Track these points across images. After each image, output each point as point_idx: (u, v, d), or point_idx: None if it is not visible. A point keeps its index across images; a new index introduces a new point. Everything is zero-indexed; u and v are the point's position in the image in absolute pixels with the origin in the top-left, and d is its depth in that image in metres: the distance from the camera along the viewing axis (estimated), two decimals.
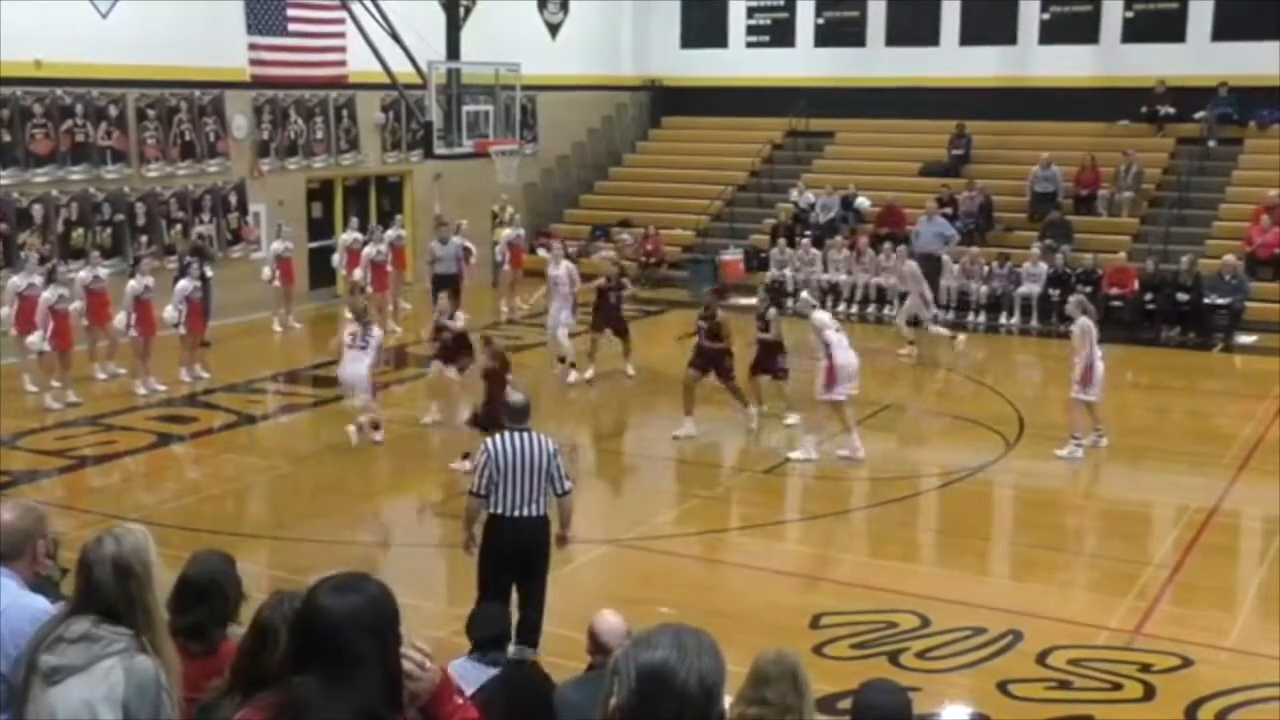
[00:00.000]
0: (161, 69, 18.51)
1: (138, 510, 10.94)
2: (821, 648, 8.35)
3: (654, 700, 2.52)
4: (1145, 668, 8.21)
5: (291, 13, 20.02)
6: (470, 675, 5.62)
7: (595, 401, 15.79)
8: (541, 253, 21.37)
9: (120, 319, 15.28)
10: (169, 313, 15.53)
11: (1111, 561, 10.39)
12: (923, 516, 11.80)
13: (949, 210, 21.83)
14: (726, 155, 26.18)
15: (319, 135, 21.44)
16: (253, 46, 19.71)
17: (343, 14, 18.84)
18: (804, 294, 15.58)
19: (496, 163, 18.43)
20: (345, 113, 21.80)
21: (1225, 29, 22.93)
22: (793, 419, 13.91)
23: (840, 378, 12.68)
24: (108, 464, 13.03)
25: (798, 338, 14.48)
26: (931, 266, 20.09)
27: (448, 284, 18.42)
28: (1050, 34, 24.66)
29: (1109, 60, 24.05)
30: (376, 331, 13.36)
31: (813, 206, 23.57)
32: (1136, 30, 23.96)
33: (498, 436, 7.86)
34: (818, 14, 26.70)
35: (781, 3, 27.05)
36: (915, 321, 18.10)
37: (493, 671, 5.82)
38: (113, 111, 18.32)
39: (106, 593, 3.48)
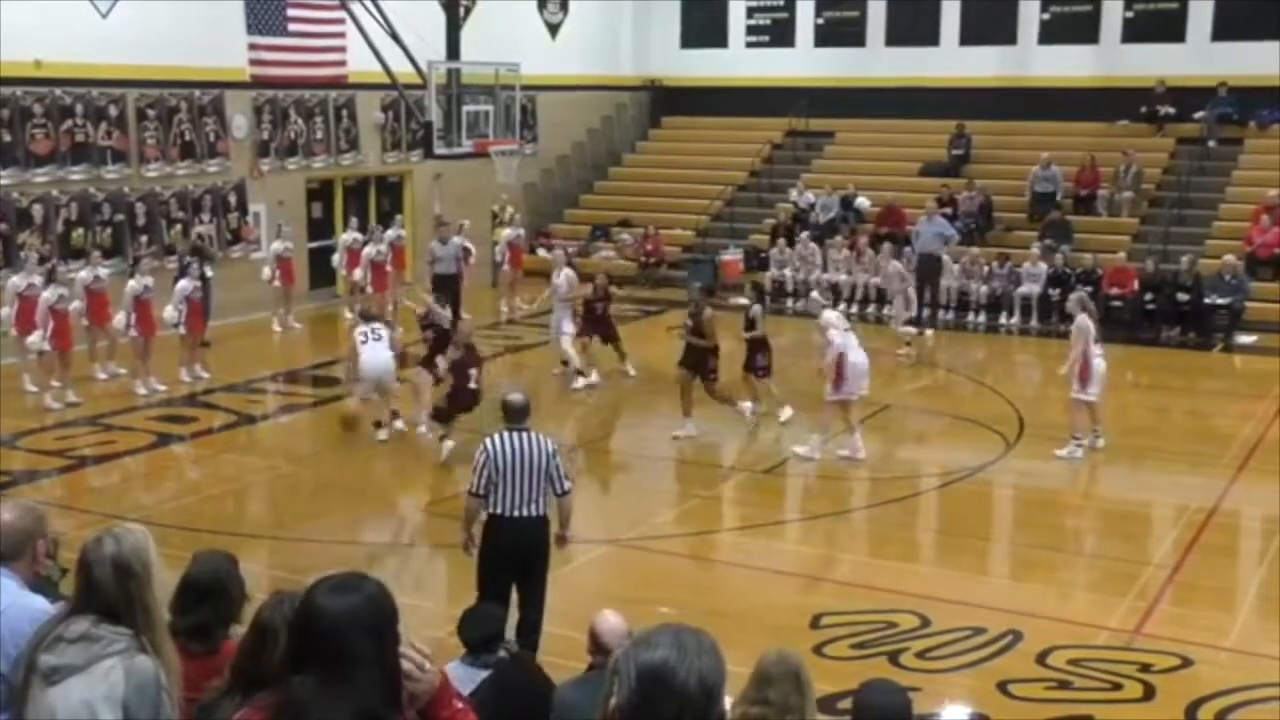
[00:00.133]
0: (161, 69, 18.50)
1: (137, 510, 10.94)
2: (821, 648, 8.35)
3: (654, 700, 2.52)
4: (1145, 668, 8.21)
5: (291, 13, 20.02)
6: (463, 678, 5.57)
7: (595, 402, 15.77)
8: (542, 253, 21.39)
9: (120, 319, 15.27)
10: (169, 313, 15.53)
11: (1111, 561, 10.39)
12: (923, 516, 11.80)
13: (949, 210, 21.82)
14: (726, 155, 26.18)
15: (319, 135, 21.43)
16: (253, 46, 19.72)
17: (343, 14, 18.85)
18: (814, 294, 15.59)
19: (496, 163, 18.42)
20: (345, 113, 21.80)
21: (1225, 29, 22.93)
22: (786, 413, 13.94)
23: (850, 376, 12.69)
24: (107, 464, 13.03)
25: (801, 337, 14.47)
26: (931, 266, 20.13)
27: (448, 284, 18.48)
28: (1050, 34, 24.66)
29: (1109, 60, 24.05)
30: (385, 330, 13.45)
31: (812, 206, 23.57)
32: (1136, 30, 23.96)
33: (497, 436, 7.78)
34: (818, 14, 26.70)
35: (781, 3, 27.05)
36: (914, 321, 18.12)
37: (485, 674, 5.76)
38: (113, 111, 18.31)
39: (106, 593, 3.47)
